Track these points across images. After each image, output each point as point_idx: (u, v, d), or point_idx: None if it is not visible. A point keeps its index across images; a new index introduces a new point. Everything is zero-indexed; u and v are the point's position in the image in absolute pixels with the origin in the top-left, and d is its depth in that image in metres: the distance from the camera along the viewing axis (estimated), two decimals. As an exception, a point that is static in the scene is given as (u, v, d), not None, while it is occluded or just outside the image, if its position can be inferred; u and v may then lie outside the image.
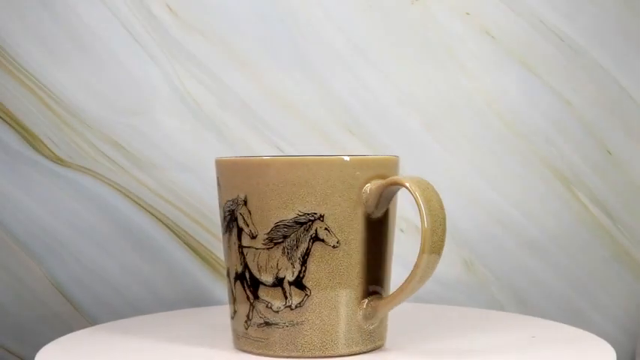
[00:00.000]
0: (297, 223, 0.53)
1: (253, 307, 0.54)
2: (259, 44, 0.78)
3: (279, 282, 0.54)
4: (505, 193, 0.80)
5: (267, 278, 0.54)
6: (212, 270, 0.79)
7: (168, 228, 0.79)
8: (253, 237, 0.54)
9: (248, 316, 0.55)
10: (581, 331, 0.62)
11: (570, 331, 0.62)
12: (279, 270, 0.53)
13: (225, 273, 0.57)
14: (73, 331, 0.64)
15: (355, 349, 0.54)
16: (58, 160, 0.78)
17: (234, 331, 0.56)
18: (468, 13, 0.78)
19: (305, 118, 0.78)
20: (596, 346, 0.57)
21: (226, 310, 0.57)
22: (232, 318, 0.56)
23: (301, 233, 0.53)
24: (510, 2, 0.78)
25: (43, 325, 0.79)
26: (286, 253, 0.53)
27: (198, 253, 0.79)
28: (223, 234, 0.56)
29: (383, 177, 0.53)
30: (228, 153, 0.78)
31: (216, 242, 0.79)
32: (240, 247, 0.54)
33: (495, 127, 0.79)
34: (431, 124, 0.79)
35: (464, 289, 0.80)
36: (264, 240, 0.53)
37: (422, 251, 0.52)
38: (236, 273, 0.55)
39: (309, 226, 0.53)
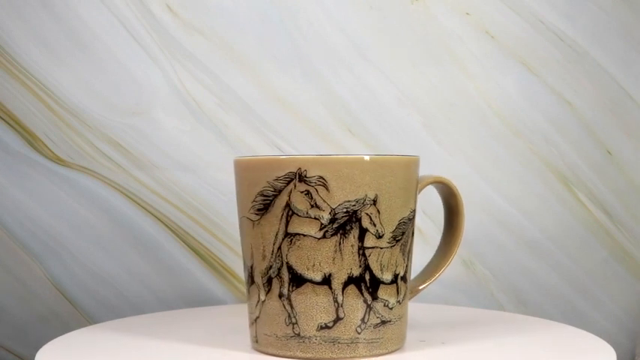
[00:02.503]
0: (409, 219, 0.55)
1: (370, 309, 0.53)
2: (259, 44, 0.78)
3: (395, 278, 0.54)
4: (505, 193, 0.80)
5: (388, 276, 0.54)
6: (212, 270, 0.79)
7: (169, 228, 0.79)
8: (380, 237, 0.53)
9: (363, 319, 0.53)
10: (581, 331, 0.62)
11: (570, 331, 0.62)
12: (396, 267, 0.54)
13: (263, 279, 0.54)
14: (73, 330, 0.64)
15: None
16: (58, 160, 0.78)
17: (333, 340, 0.53)
18: (468, 13, 0.78)
19: (305, 118, 0.78)
20: (596, 346, 0.57)
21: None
22: (328, 327, 0.53)
23: (410, 229, 0.55)
24: (510, 2, 0.78)
25: (43, 325, 0.79)
26: (402, 250, 0.55)
27: (198, 253, 0.79)
28: (322, 238, 0.52)
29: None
30: (228, 153, 0.78)
31: (216, 242, 0.79)
32: (362, 248, 0.53)
33: (495, 127, 0.79)
34: (431, 124, 0.79)
35: (464, 289, 0.80)
36: (389, 239, 0.53)
37: (459, 243, 0.61)
38: (349, 277, 0.53)
39: (413, 222, 0.56)
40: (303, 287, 0.53)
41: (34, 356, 0.54)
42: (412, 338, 0.58)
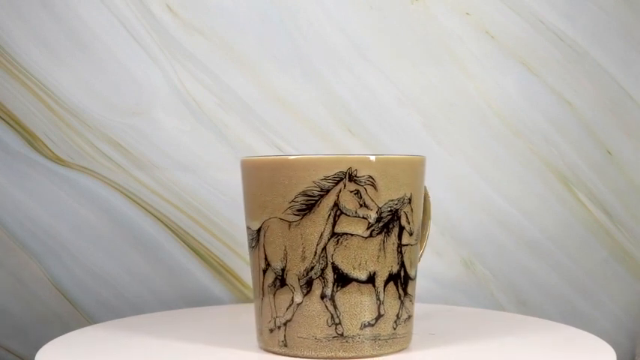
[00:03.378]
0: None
1: (403, 304, 0.55)
2: (259, 44, 0.78)
3: (416, 274, 0.56)
4: (505, 193, 0.80)
5: (413, 272, 0.56)
6: (212, 270, 0.79)
7: (169, 228, 0.79)
8: (411, 234, 0.55)
9: (398, 315, 0.54)
10: (581, 331, 0.62)
11: (570, 331, 0.62)
12: (416, 263, 0.56)
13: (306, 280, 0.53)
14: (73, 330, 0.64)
15: None
16: (58, 160, 0.78)
17: (374, 337, 0.54)
18: (468, 13, 0.78)
19: (305, 118, 0.78)
20: (596, 346, 0.57)
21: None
22: (371, 325, 0.53)
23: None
24: (510, 2, 0.78)
25: (43, 325, 0.79)
26: (419, 246, 0.57)
27: (198, 253, 0.79)
28: (369, 237, 0.53)
29: None
30: (228, 153, 0.78)
31: (216, 242, 0.79)
32: (400, 246, 0.54)
33: (495, 127, 0.79)
34: (431, 124, 0.79)
35: (464, 289, 0.80)
36: (415, 236, 0.55)
37: (425, 244, 0.60)
38: (390, 274, 0.54)
39: None
40: (348, 287, 0.53)
41: (34, 356, 0.54)
42: (413, 337, 0.58)
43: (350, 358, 0.53)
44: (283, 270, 0.53)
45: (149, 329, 0.63)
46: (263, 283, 0.55)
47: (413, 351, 0.56)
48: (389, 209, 0.53)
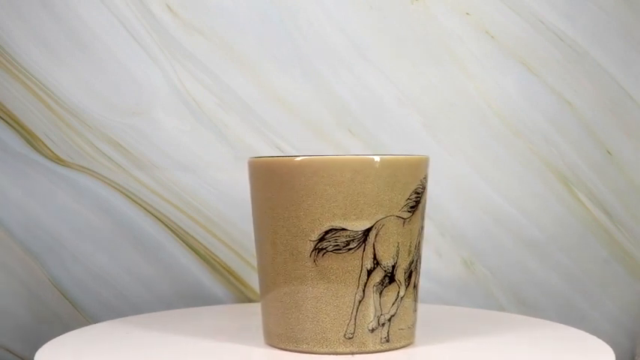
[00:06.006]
0: None
1: None
2: (259, 44, 0.78)
3: None
4: (505, 193, 0.80)
5: None
6: (212, 270, 0.79)
7: (168, 228, 0.79)
8: None
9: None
10: (581, 331, 0.62)
11: (569, 332, 0.62)
12: None
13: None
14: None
15: None
16: (58, 160, 0.78)
17: (412, 328, 0.57)
18: (468, 13, 0.78)
19: (305, 118, 0.78)
20: (595, 346, 0.57)
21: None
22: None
23: None
24: (510, 2, 0.78)
25: (43, 325, 0.79)
26: None
27: (198, 253, 0.79)
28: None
29: None
30: (228, 153, 0.78)
31: (215, 242, 0.79)
32: None
33: (495, 127, 0.79)
34: (431, 124, 0.79)
35: (464, 289, 0.80)
36: None
37: None
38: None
39: None
40: (420, 275, 0.58)
41: (34, 356, 0.54)
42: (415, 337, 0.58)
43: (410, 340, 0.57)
44: (394, 267, 0.55)
45: (149, 329, 0.63)
46: (366, 283, 0.55)
47: (417, 347, 0.56)
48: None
